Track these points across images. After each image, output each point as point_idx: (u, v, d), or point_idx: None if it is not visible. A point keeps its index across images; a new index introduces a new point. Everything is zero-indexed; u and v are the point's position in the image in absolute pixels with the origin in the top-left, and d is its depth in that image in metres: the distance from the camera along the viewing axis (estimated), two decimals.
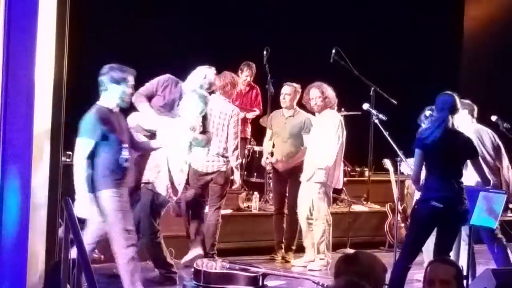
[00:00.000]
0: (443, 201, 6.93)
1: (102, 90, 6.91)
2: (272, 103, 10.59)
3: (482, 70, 14.04)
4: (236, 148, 9.01)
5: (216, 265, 7.94)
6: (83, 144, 6.65)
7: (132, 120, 8.14)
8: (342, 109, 10.86)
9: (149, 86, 8.48)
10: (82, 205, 6.62)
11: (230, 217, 10.02)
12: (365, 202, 11.36)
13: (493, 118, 9.17)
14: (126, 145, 6.91)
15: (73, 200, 6.34)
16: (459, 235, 7.74)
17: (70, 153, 9.02)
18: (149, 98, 8.41)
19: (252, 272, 7.68)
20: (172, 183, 7.85)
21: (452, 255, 8.12)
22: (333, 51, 10.39)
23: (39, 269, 5.83)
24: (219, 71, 9.32)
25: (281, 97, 9.56)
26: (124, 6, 11.26)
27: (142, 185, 7.99)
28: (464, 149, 7.09)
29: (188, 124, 7.97)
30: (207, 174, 8.93)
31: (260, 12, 12.26)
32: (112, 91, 6.86)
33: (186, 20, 11.79)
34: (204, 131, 8.22)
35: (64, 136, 6.34)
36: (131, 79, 6.98)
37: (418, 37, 13.43)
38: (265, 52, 10.70)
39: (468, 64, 14.40)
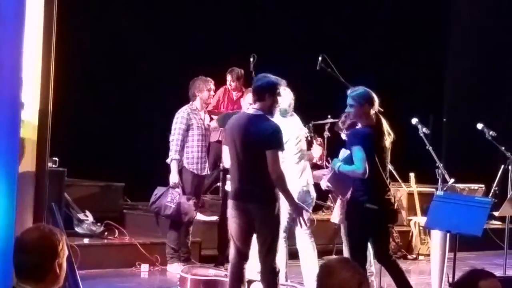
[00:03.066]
0: (378, 202, 7.05)
1: None
2: None
3: (467, 81, 14.11)
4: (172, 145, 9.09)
5: (202, 272, 7.93)
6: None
7: None
8: (329, 116, 10.87)
9: None
10: None
11: (217, 223, 9.98)
12: None
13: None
14: None
15: (60, 207, 6.31)
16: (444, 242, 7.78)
17: (56, 159, 9.05)
18: None
19: None
20: None
21: (436, 263, 8.16)
22: (320, 58, 10.39)
23: None
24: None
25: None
26: (113, 7, 11.28)
27: None
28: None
29: None
30: None
31: (247, 18, 12.27)
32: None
33: (173, 26, 11.80)
34: None
35: (50, 141, 6.30)
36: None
37: (404, 44, 13.47)
38: (251, 59, 10.69)
39: (454, 74, 14.46)
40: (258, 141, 6.75)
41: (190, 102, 9.34)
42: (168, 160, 9.03)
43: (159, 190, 9.00)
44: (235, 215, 6.88)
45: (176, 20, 11.87)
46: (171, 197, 8.89)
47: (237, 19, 12.19)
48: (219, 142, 10.02)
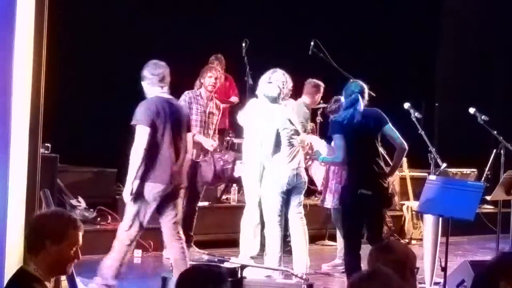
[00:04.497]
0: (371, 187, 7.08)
1: None
2: (250, 95, 10.57)
3: (459, 65, 14.12)
4: None
5: (195, 257, 7.92)
6: None
7: None
8: (321, 101, 10.87)
9: None
10: None
11: (209, 209, 10.00)
12: None
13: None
14: None
15: (53, 193, 6.31)
16: (437, 226, 7.81)
17: (49, 145, 9.03)
18: None
19: (230, 264, 7.67)
20: None
21: (429, 247, 8.19)
22: (312, 43, 10.38)
23: (16, 261, 5.80)
24: (198, 63, 9.36)
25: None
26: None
27: None
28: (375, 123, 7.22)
29: None
30: None
31: (238, 3, 12.25)
32: None
33: (165, 12, 11.77)
34: None
35: (42, 127, 6.29)
36: None
37: (396, 30, 13.47)
38: (243, 44, 10.68)
39: (445, 58, 14.47)
40: (184, 124, 7.16)
41: (196, 88, 9.42)
42: None
43: None
44: (159, 200, 7.04)
45: (172, 6, 11.84)
46: None
47: (229, 4, 12.16)
48: None
